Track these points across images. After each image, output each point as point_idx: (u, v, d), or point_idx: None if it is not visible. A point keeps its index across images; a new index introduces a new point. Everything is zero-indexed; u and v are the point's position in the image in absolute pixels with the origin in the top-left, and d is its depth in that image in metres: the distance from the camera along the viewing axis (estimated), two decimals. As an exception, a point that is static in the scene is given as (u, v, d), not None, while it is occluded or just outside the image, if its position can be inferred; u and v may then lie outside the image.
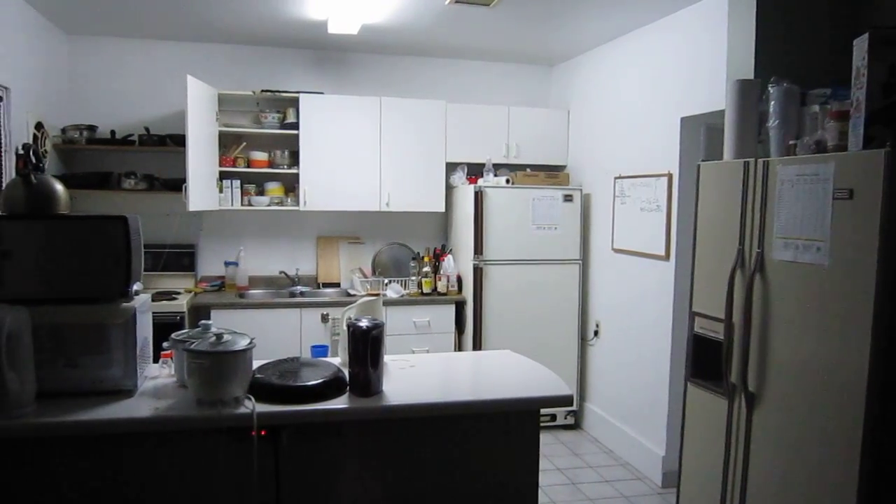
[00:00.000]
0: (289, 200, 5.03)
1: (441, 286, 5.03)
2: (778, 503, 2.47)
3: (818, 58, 2.90)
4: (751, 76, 2.96)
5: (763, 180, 2.53)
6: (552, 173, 5.19)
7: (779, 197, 2.45)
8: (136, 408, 2.02)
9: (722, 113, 2.91)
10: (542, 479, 3.91)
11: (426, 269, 5.08)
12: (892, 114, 2.14)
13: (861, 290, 2.12)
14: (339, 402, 2.13)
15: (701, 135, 4.00)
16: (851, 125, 2.24)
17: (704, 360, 2.87)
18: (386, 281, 5.11)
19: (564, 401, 2.32)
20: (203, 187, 4.48)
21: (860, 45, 2.20)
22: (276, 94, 4.93)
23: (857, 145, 2.20)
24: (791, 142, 2.53)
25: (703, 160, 3.01)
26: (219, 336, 2.06)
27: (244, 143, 4.96)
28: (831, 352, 2.24)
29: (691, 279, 2.99)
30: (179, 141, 4.47)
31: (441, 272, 5.08)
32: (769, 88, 2.64)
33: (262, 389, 2.10)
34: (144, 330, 2.26)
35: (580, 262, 5.02)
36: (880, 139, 2.11)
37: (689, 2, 3.84)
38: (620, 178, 4.60)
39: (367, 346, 2.15)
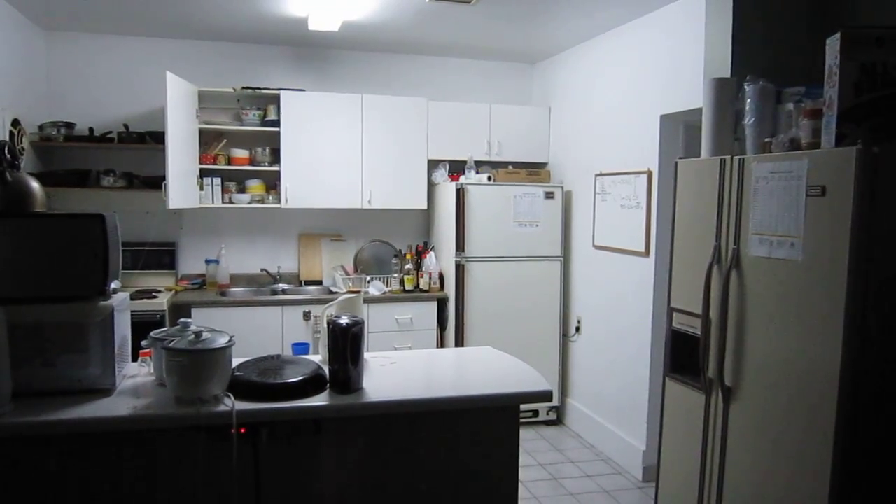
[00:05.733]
0: (270, 198, 5.01)
1: (423, 283, 5.04)
2: (754, 495, 2.51)
3: (793, 56, 2.94)
4: (728, 74, 3.00)
5: (739, 177, 2.57)
6: (534, 170, 5.22)
7: (754, 194, 2.49)
8: (115, 406, 2.02)
9: (700, 111, 2.95)
10: (524, 474, 3.94)
11: (408, 266, 5.09)
12: (863, 112, 2.18)
13: (833, 285, 2.16)
14: (319, 400, 2.13)
15: (680, 132, 4.04)
16: (824, 123, 2.28)
17: (682, 356, 2.90)
18: (368, 278, 5.12)
19: (544, 396, 2.34)
20: (183, 185, 4.45)
21: (833, 45, 2.24)
22: (257, 90, 4.91)
23: (829, 143, 2.24)
24: (766, 139, 2.56)
25: (680, 157, 3.04)
26: (198, 334, 2.06)
27: (225, 141, 4.93)
28: (805, 345, 2.28)
29: (669, 275, 3.02)
30: (159, 138, 4.43)
31: (423, 269, 5.09)
32: (745, 87, 2.67)
33: (241, 387, 2.10)
34: (123, 328, 2.25)
35: (561, 258, 5.05)
36: (852, 137, 2.15)
37: (669, 0, 3.87)
38: (601, 175, 4.63)
39: (346, 343, 2.16)
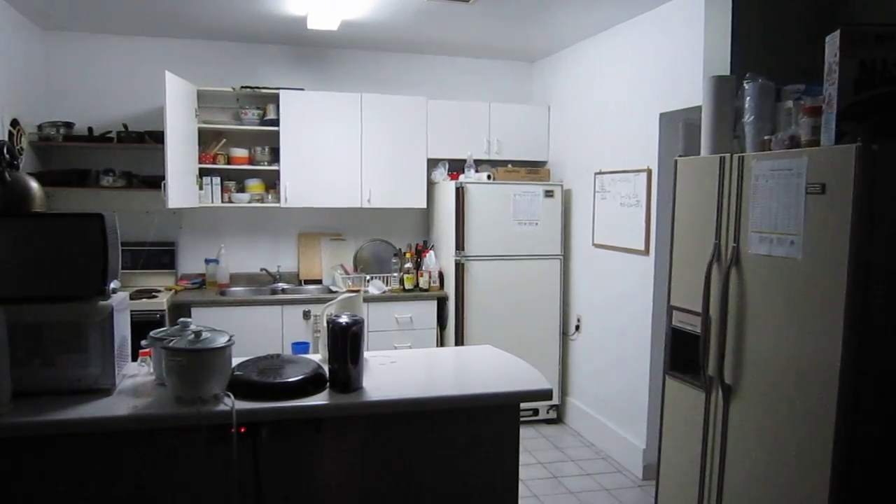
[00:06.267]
0: (269, 197, 5.01)
1: (423, 282, 5.04)
2: (754, 493, 2.51)
3: (793, 54, 2.94)
4: (727, 72, 2.99)
5: (738, 175, 2.57)
6: (533, 169, 5.22)
7: (753, 191, 2.49)
8: (115, 406, 2.01)
9: (700, 109, 2.94)
10: (525, 472, 3.94)
11: (408, 265, 5.09)
12: (862, 109, 2.18)
13: (833, 283, 2.16)
14: (319, 399, 2.13)
15: (679, 130, 4.03)
16: (824, 121, 2.27)
17: (682, 354, 2.90)
18: (368, 277, 5.12)
19: (544, 395, 2.34)
20: (183, 184, 4.45)
21: (832, 42, 2.24)
22: (256, 90, 4.91)
23: (829, 140, 2.23)
24: (766, 137, 2.56)
25: (680, 156, 3.04)
26: (197, 333, 2.05)
27: (224, 140, 4.93)
28: (805, 343, 2.28)
29: (669, 273, 3.02)
30: (158, 138, 4.43)
31: (423, 268, 5.09)
32: (745, 84, 2.67)
33: (241, 386, 2.10)
34: (122, 328, 2.25)
35: (561, 257, 5.05)
36: (851, 134, 2.14)
37: (667, -2, 3.88)
38: (600, 173, 4.63)
39: (346, 342, 2.16)
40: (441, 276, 5.10)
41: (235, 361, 2.20)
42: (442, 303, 5.04)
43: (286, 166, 4.87)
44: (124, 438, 2.01)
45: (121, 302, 2.23)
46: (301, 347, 4.54)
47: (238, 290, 4.98)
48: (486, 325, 4.89)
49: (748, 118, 2.64)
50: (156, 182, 4.41)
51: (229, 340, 2.07)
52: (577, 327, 5.00)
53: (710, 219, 2.72)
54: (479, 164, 5.20)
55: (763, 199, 2.44)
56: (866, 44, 2.19)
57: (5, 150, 2.20)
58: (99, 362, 2.09)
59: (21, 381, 1.98)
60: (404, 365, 2.59)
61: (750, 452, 2.53)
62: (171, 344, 2.02)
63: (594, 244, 4.74)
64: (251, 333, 4.20)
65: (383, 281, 5.08)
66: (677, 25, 3.84)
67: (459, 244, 4.85)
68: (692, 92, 3.52)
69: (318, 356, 2.56)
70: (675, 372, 2.97)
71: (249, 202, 4.96)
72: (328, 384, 2.21)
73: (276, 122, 4.87)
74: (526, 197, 4.94)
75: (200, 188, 4.79)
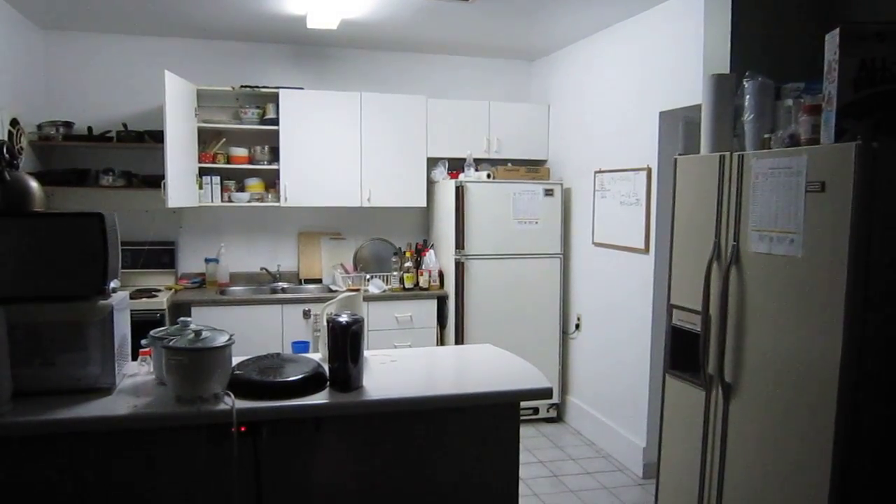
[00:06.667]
0: (269, 196, 5.01)
1: (423, 281, 5.04)
2: (754, 491, 2.51)
3: (792, 52, 2.93)
4: (727, 71, 2.99)
5: (738, 173, 2.57)
6: (533, 168, 5.22)
7: (753, 190, 2.48)
8: (115, 406, 2.01)
9: (700, 107, 2.94)
10: (525, 471, 3.94)
11: (408, 264, 5.09)
12: (862, 108, 2.18)
13: (833, 281, 2.15)
14: (319, 398, 2.13)
15: (679, 129, 4.03)
16: (823, 119, 2.27)
17: (682, 352, 2.90)
18: (368, 276, 5.11)
19: (544, 394, 2.34)
20: (182, 184, 4.45)
21: (832, 40, 2.23)
22: (256, 89, 4.91)
23: (828, 139, 2.23)
24: (765, 135, 2.56)
25: (680, 154, 3.04)
26: (197, 333, 2.06)
27: (224, 139, 4.93)
28: (804, 342, 2.28)
29: (669, 272, 3.02)
30: (158, 137, 4.43)
31: (423, 267, 5.09)
32: (744, 83, 2.66)
33: (241, 385, 2.10)
34: (122, 327, 2.25)
35: (561, 256, 5.05)
36: (851, 133, 2.14)
37: (667, -3, 3.87)
38: (600, 172, 4.63)
39: (346, 341, 2.16)
40: (441, 275, 5.10)
41: (235, 360, 2.20)
42: (442, 302, 5.04)
43: (286, 165, 4.87)
44: (124, 438, 2.02)
45: (121, 301, 2.23)
46: (301, 346, 4.54)
47: (238, 290, 4.99)
48: (486, 324, 4.89)
49: (748, 116, 2.63)
50: (155, 181, 4.41)
51: (229, 339, 2.07)
52: (577, 326, 5.00)
53: (709, 217, 2.72)
54: (478, 162, 5.20)
55: (763, 198, 2.44)
56: (866, 42, 2.18)
57: (5, 150, 2.20)
58: (99, 361, 2.09)
59: (21, 381, 1.98)
60: (404, 364, 2.59)
61: (750, 451, 2.53)
62: (171, 343, 2.03)
63: (594, 243, 4.74)
64: (251, 332, 4.21)
65: (383, 280, 5.08)
66: (677, 23, 3.84)
67: (459, 243, 4.85)
68: (692, 90, 3.52)
69: (318, 355, 2.56)
70: (675, 370, 2.97)
71: (249, 201, 4.96)
72: (328, 383, 2.21)
73: (275, 122, 4.87)
74: (526, 196, 4.94)
75: (200, 187, 4.79)
